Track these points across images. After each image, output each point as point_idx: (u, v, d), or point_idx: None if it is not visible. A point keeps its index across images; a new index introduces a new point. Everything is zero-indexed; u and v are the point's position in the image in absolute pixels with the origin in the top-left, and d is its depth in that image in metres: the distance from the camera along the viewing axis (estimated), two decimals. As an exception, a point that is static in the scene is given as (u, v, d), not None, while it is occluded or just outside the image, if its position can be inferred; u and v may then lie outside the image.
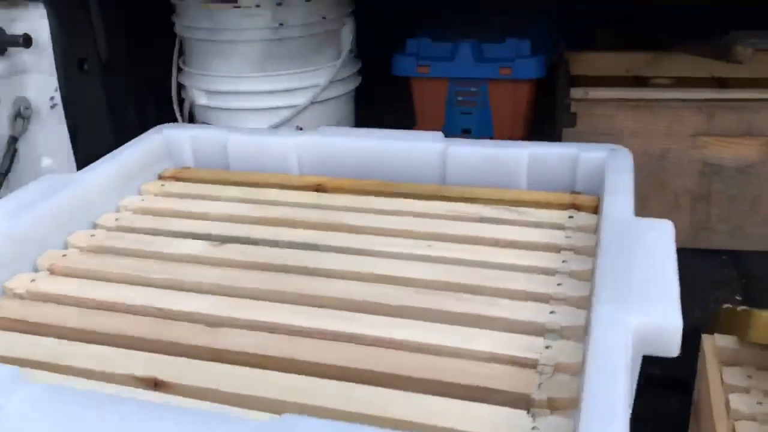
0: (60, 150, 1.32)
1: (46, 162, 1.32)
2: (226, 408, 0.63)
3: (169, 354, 0.71)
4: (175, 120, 1.63)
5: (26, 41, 1.21)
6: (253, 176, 1.08)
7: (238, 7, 1.45)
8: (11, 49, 1.23)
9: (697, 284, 1.44)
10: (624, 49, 1.74)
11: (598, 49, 1.80)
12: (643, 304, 0.64)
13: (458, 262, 0.84)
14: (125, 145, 1.08)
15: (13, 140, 1.25)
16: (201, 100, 1.55)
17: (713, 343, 0.89)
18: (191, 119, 1.64)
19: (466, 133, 1.80)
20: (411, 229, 0.92)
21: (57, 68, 1.26)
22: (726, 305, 0.98)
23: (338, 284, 0.81)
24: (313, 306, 0.77)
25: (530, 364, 0.66)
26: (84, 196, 0.97)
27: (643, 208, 1.50)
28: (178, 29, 1.56)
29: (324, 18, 1.50)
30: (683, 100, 1.42)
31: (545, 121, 1.76)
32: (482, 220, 0.93)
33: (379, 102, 1.93)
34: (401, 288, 0.79)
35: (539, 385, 0.64)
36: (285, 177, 1.07)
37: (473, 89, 1.76)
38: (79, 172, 1.00)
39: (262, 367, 0.69)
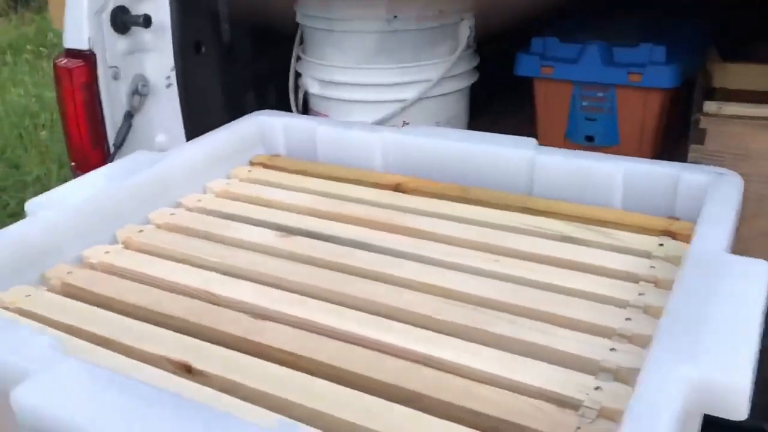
0: (173, 128, 1.37)
1: (159, 139, 1.38)
2: (250, 407, 0.62)
3: (210, 341, 0.71)
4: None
5: (146, 21, 1.26)
6: (337, 170, 1.06)
7: (354, -3, 1.44)
8: (134, 28, 1.29)
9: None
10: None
11: (753, 60, 1.62)
12: (709, 356, 0.55)
13: (524, 283, 0.77)
14: (218, 129, 1.10)
15: (129, 115, 1.31)
16: (314, 89, 1.56)
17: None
18: (305, 108, 1.66)
19: (589, 140, 1.69)
20: (483, 241, 0.86)
21: (174, 49, 1.32)
22: None
23: (392, 291, 0.77)
24: (362, 311, 0.75)
25: (572, 405, 0.60)
26: (170, 175, 1.00)
27: (769, 247, 1.35)
28: (298, 17, 1.58)
29: (441, 12, 1.46)
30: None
31: (683, 136, 1.62)
32: (564, 239, 0.86)
33: (499, 102, 1.86)
34: (454, 303, 0.74)
35: (576, 429, 0.57)
36: (367, 173, 1.05)
37: (600, 94, 1.64)
38: (169, 151, 1.03)
39: (296, 367, 0.67)
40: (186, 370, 0.67)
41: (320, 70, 1.54)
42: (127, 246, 0.89)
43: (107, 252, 0.87)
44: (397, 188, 1.00)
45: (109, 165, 0.98)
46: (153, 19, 1.29)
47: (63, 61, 1.27)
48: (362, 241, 0.87)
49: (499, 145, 0.98)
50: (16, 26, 5.84)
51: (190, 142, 1.06)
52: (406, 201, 0.97)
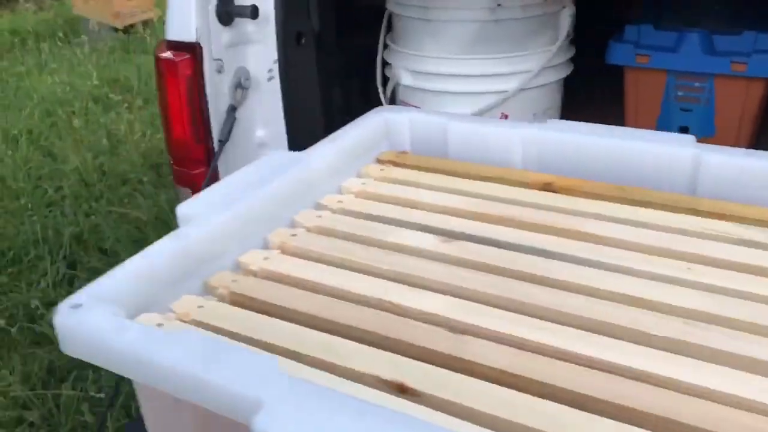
0: (274, 122, 1.33)
1: (260, 133, 1.34)
2: (476, 429, 0.58)
3: (412, 357, 0.67)
4: (376, 98, 1.61)
5: (253, 12, 1.22)
6: (473, 167, 1.02)
7: (457, -15, 1.39)
8: (237, 20, 1.24)
9: None
10: None
11: None
12: None
13: (725, 292, 0.73)
14: (346, 126, 1.06)
15: (233, 109, 1.27)
16: (406, 80, 1.51)
17: None
18: (393, 99, 1.61)
19: (683, 132, 1.64)
20: (661, 246, 0.82)
21: (278, 41, 1.27)
22: None
23: (580, 301, 0.73)
24: (557, 323, 0.70)
25: (838, 432, 0.56)
26: (309, 175, 0.96)
27: None
28: (390, 5, 1.53)
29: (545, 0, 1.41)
30: None
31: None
32: (744, 243, 0.82)
33: (582, 91, 1.81)
34: (660, 315, 0.70)
35: None
36: (508, 171, 1.00)
37: (697, 84, 1.59)
38: (304, 151, 0.99)
39: (512, 386, 0.63)
40: (399, 389, 0.63)
41: (414, 61, 1.50)
42: (283, 251, 0.85)
43: (266, 258, 0.83)
44: (546, 187, 0.96)
45: (247, 167, 0.94)
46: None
47: (166, 54, 1.23)
48: (536, 246, 0.83)
49: (658, 143, 0.93)
50: (35, 12, 5.79)
51: (322, 141, 1.01)
52: (561, 201, 0.93)
